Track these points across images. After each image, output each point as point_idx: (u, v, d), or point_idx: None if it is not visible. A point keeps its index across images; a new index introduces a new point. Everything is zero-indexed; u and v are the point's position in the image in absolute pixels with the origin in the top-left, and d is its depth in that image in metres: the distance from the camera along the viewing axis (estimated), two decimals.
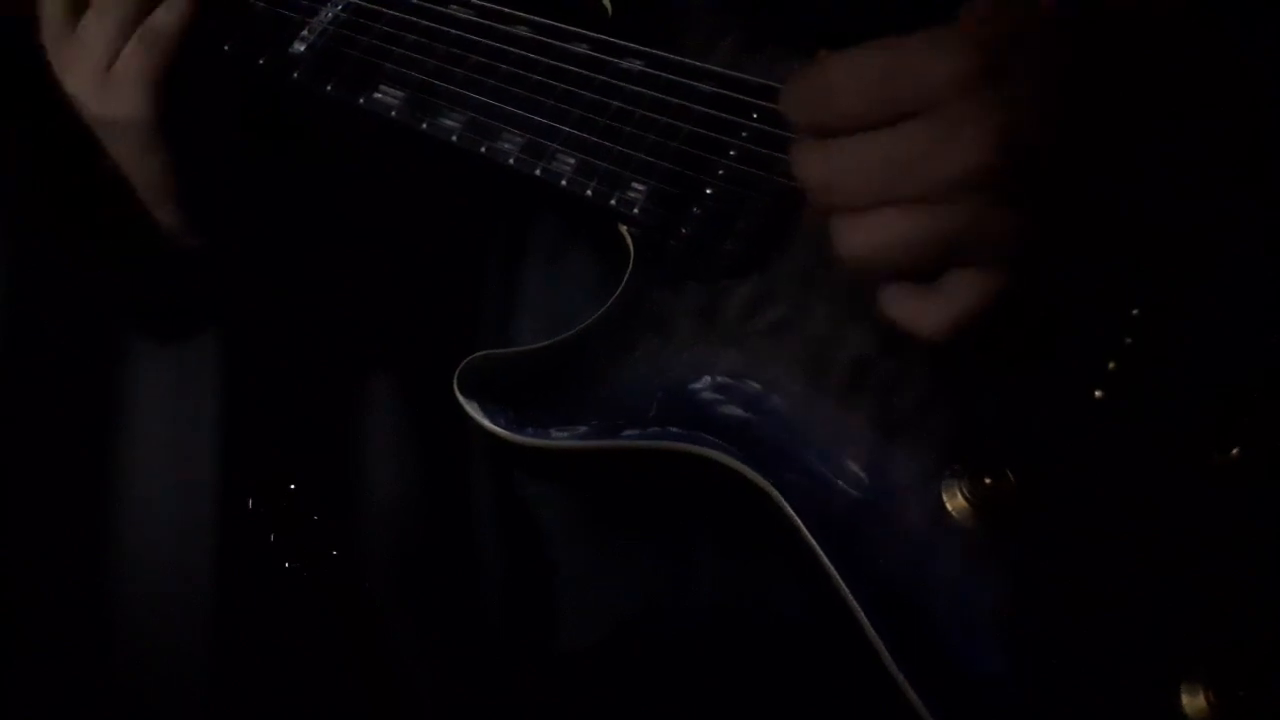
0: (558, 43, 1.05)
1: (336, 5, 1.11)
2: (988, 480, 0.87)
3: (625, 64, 1.03)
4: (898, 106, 0.79)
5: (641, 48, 1.03)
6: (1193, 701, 0.80)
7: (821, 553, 0.88)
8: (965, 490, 0.88)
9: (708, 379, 0.96)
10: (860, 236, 0.80)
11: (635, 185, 1.00)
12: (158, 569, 1.51)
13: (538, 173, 1.03)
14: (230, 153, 1.16)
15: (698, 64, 1.01)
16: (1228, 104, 0.81)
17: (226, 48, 1.12)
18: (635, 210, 1.00)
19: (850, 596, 0.87)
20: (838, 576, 0.88)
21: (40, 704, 1.49)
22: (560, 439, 0.97)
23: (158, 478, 1.53)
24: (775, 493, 0.90)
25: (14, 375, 1.52)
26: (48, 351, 1.53)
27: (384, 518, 1.35)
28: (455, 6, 1.09)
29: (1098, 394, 0.87)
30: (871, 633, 0.85)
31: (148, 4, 1.08)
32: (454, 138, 1.05)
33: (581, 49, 1.05)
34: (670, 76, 1.02)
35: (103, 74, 1.07)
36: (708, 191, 0.99)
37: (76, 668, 1.49)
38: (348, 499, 1.44)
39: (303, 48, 1.11)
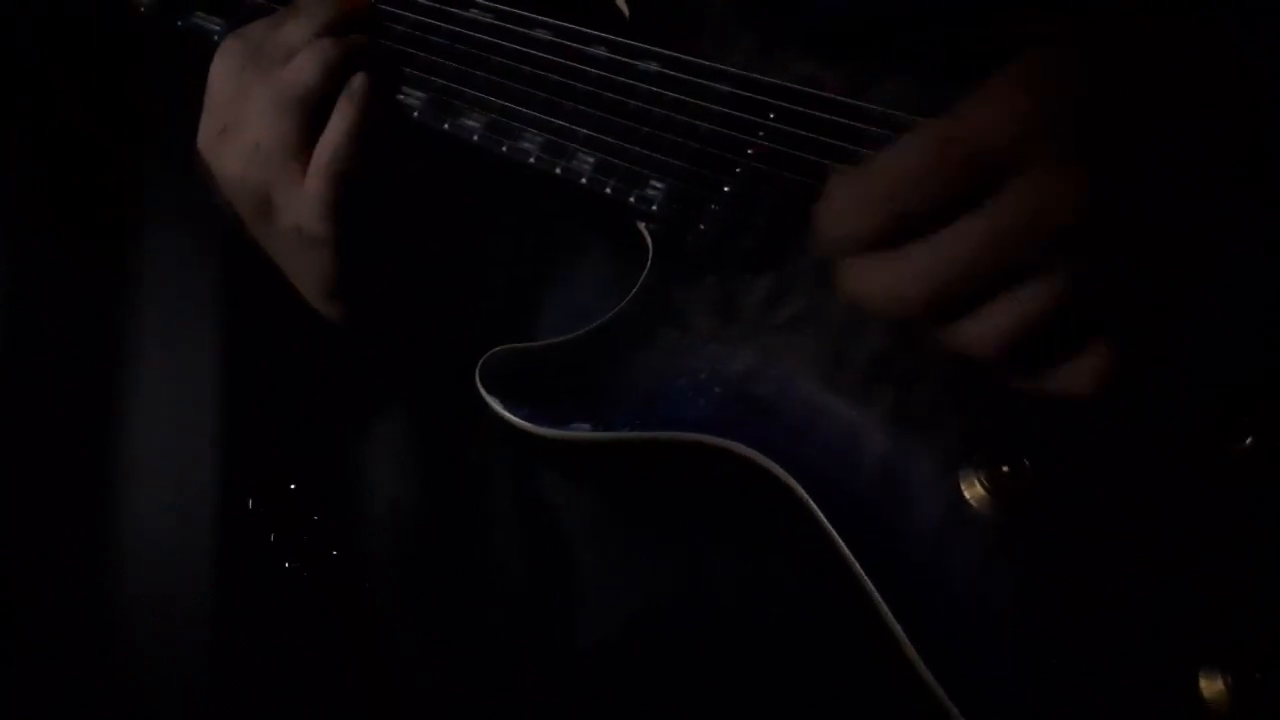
0: (577, 45, 1.05)
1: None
2: (1005, 469, 0.87)
3: (643, 65, 1.04)
4: (970, 186, 0.75)
5: (659, 50, 1.03)
6: (1211, 686, 0.81)
7: (841, 543, 0.88)
8: (983, 479, 0.88)
9: (726, 372, 0.96)
10: (989, 329, 0.77)
11: (654, 183, 1.00)
12: (158, 569, 1.49)
13: (558, 171, 1.03)
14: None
15: (715, 65, 1.02)
16: (1228, 104, 0.82)
17: None
18: (654, 207, 1.00)
19: (870, 586, 0.87)
20: (858, 567, 0.88)
21: (40, 704, 1.47)
22: (580, 431, 0.96)
23: (158, 478, 1.51)
24: (794, 484, 0.90)
25: (14, 375, 1.50)
26: (48, 351, 1.51)
27: (387, 517, 1.34)
28: (475, 10, 1.09)
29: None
30: (893, 623, 0.85)
31: (324, 96, 1.04)
32: (475, 138, 1.05)
33: (600, 51, 1.05)
34: (688, 77, 1.02)
35: (285, 181, 1.03)
36: (725, 189, 0.99)
37: (76, 668, 1.47)
38: (349, 499, 1.43)
39: None
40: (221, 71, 1.05)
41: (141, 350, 1.53)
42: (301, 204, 1.03)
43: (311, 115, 1.02)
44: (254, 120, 1.02)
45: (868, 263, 0.78)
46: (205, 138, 1.05)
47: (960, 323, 0.78)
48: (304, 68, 1.02)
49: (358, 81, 1.03)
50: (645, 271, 1.00)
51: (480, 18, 1.09)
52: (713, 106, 1.01)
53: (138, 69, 1.46)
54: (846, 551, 0.88)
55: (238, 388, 1.50)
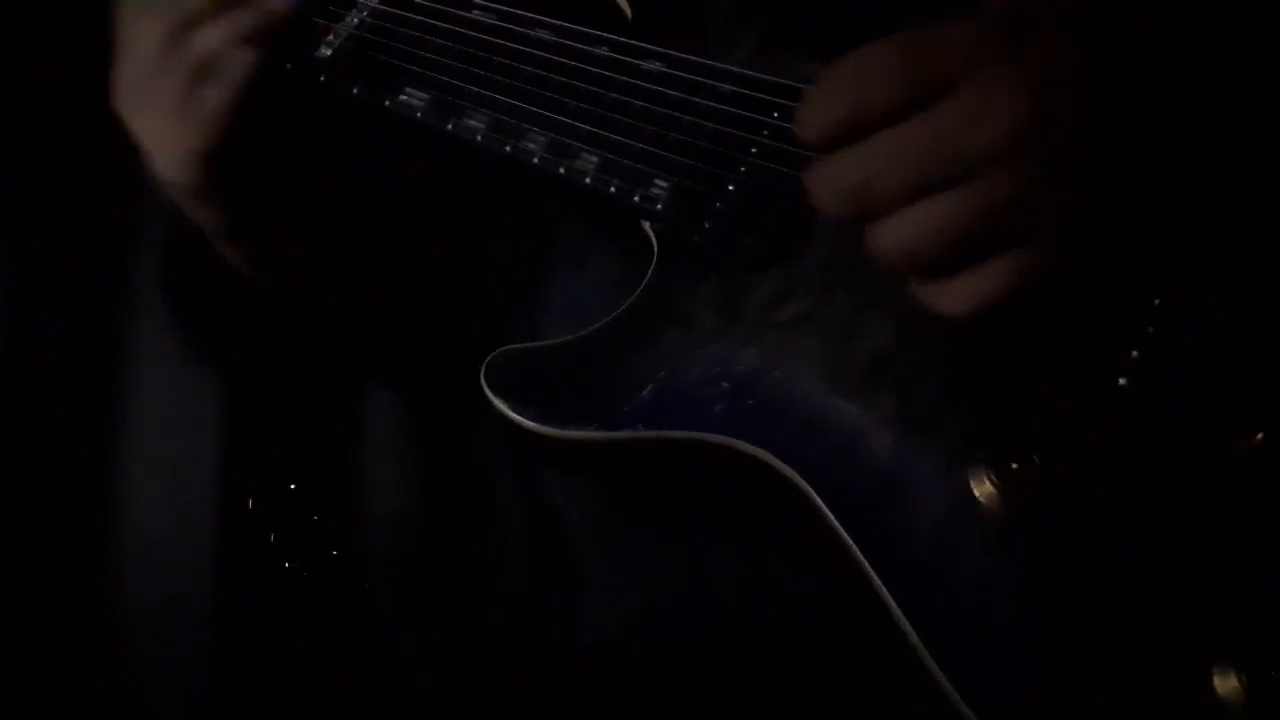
0: (579, 45, 1.04)
1: (362, 11, 1.10)
2: (1014, 466, 0.86)
3: (647, 65, 1.02)
4: (920, 92, 0.78)
5: (662, 49, 1.02)
6: (1225, 684, 0.80)
7: (850, 541, 0.87)
8: (992, 476, 0.87)
9: (731, 371, 0.94)
10: (900, 231, 0.79)
11: (658, 182, 0.99)
12: (158, 569, 1.48)
13: (561, 171, 1.01)
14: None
15: (718, 65, 1.00)
16: (1228, 103, 0.81)
17: None
18: (658, 207, 0.99)
19: (879, 584, 0.86)
20: (866, 565, 0.86)
21: (40, 704, 1.46)
22: (584, 431, 0.95)
23: (158, 478, 1.50)
24: (802, 482, 0.89)
25: (14, 375, 1.49)
26: (48, 351, 1.50)
27: (387, 517, 1.33)
28: (478, 11, 1.08)
29: (1122, 381, 0.86)
30: (902, 621, 0.84)
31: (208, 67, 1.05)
32: (478, 137, 1.04)
33: (603, 51, 1.03)
34: (691, 76, 1.01)
35: (158, 136, 1.06)
36: (730, 188, 0.98)
37: (76, 668, 1.46)
38: (349, 499, 1.42)
39: (329, 52, 1.10)
40: (129, 18, 1.07)
41: (142, 350, 1.51)
42: (166, 157, 1.06)
43: (195, 80, 1.03)
44: (149, 70, 1.04)
45: (836, 154, 0.82)
46: (115, 75, 1.08)
47: (879, 223, 0.80)
48: (206, 37, 1.03)
49: (238, 60, 1.04)
50: (650, 271, 0.99)
51: (482, 19, 1.07)
52: (717, 105, 0.99)
53: None
54: (855, 550, 0.87)
55: (238, 388, 1.48)
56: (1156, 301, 0.87)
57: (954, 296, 0.81)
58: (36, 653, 1.46)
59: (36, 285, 1.51)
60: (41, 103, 1.49)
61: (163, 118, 1.04)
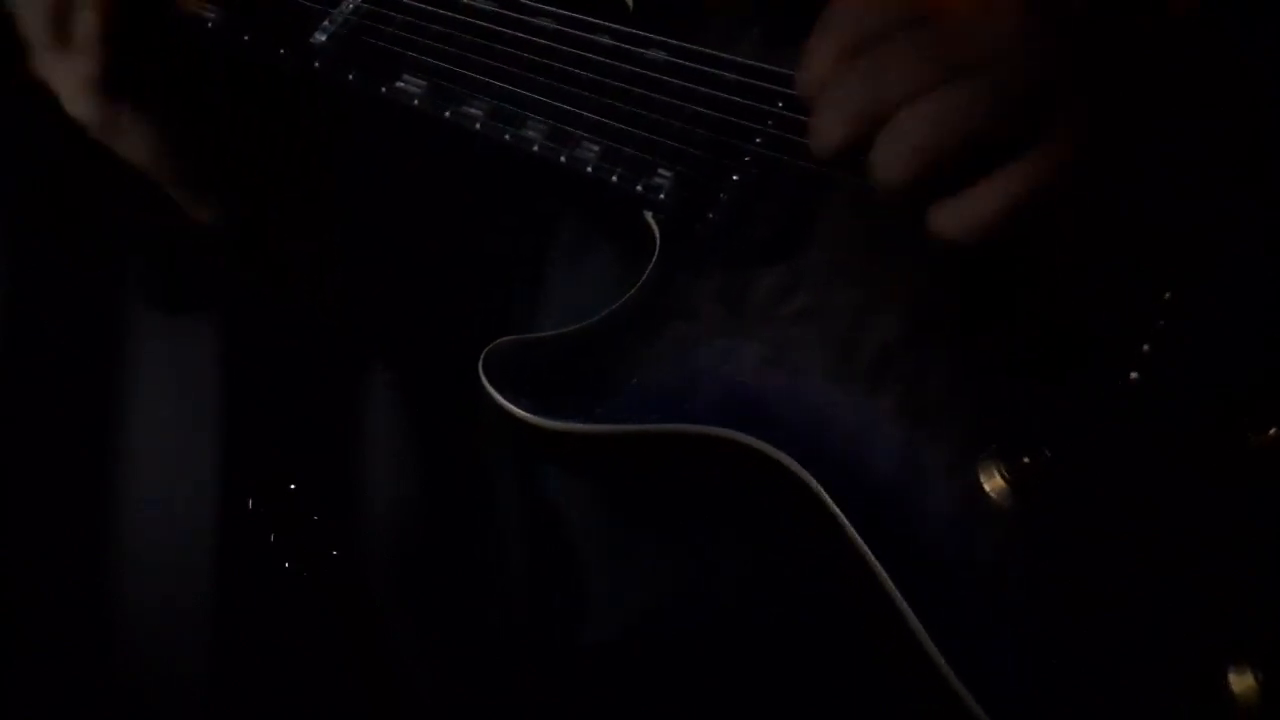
0: (582, 33, 1.02)
1: None
2: (1025, 459, 0.84)
3: (650, 54, 1.01)
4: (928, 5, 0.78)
5: (666, 39, 1.00)
6: (1241, 681, 0.78)
7: (857, 537, 0.85)
8: (1003, 470, 0.85)
9: (734, 364, 0.93)
10: (912, 127, 0.78)
11: (661, 172, 0.97)
12: (158, 569, 1.47)
13: (562, 160, 0.99)
14: (227, 127, 1.11)
15: (722, 54, 0.99)
16: (1228, 103, 0.80)
17: (246, 38, 1.08)
18: (661, 196, 0.97)
19: (887, 580, 0.84)
20: (873, 559, 0.84)
21: (40, 704, 1.44)
22: (584, 423, 0.93)
23: (158, 478, 1.48)
24: (808, 477, 0.87)
25: (14, 375, 1.47)
26: (48, 351, 1.49)
27: (388, 517, 1.31)
28: None
29: (1133, 375, 0.84)
30: (911, 617, 0.82)
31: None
32: (478, 125, 1.02)
33: (605, 40, 1.02)
34: (695, 66, 0.99)
35: (52, 75, 1.05)
36: (734, 178, 0.96)
37: (76, 668, 1.45)
38: (349, 499, 1.40)
39: (324, 38, 1.07)
40: None
41: (141, 350, 1.50)
42: (65, 95, 1.05)
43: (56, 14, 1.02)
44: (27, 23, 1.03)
45: (849, 65, 0.80)
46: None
47: (881, 145, 0.79)
48: None
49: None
50: (652, 262, 0.97)
51: (483, 5, 1.05)
52: (720, 95, 0.98)
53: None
54: (862, 545, 0.85)
55: (237, 387, 1.47)
56: (1167, 295, 0.85)
57: (964, 214, 0.79)
58: (36, 653, 1.44)
59: (36, 285, 1.50)
60: (42, 102, 1.47)
61: (47, 53, 1.03)
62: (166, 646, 1.45)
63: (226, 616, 1.42)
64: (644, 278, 0.96)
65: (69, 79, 1.04)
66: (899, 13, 0.79)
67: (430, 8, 1.06)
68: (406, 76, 1.05)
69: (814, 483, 0.87)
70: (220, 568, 1.43)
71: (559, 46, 1.02)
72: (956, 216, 0.79)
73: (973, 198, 0.78)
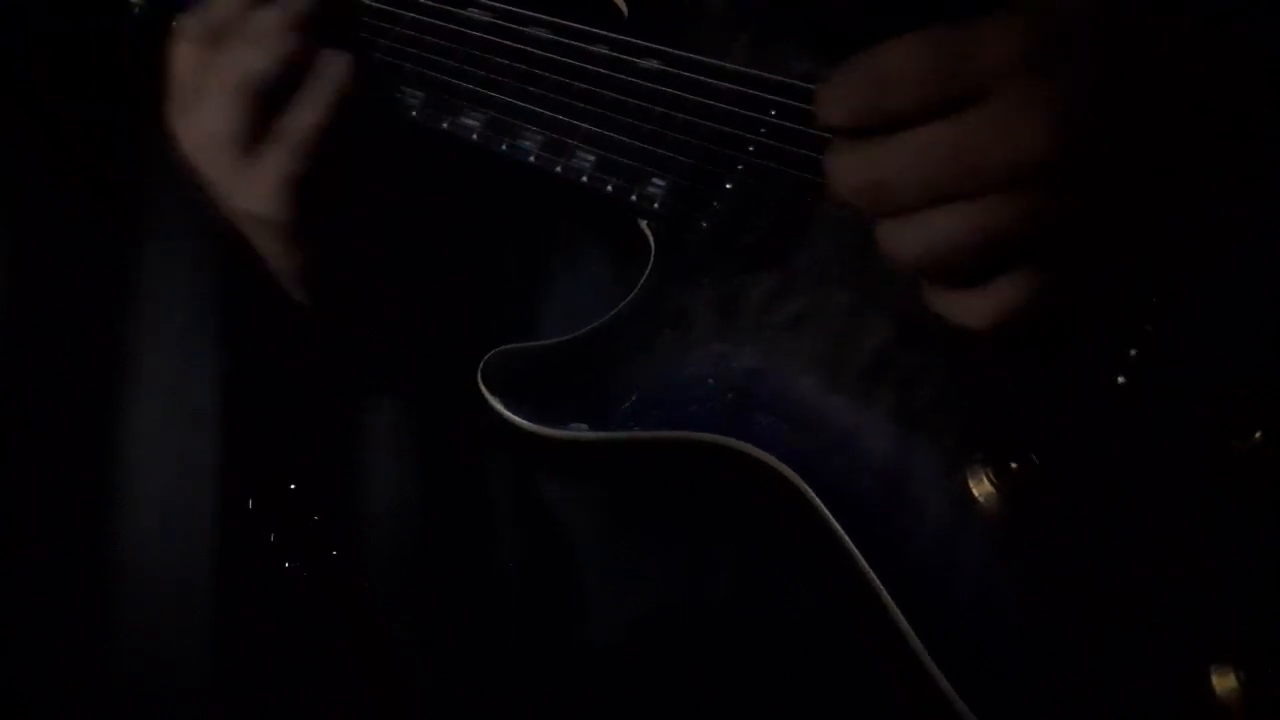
0: (577, 43, 1.03)
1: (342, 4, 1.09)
2: (1013, 465, 0.86)
3: (644, 63, 1.01)
4: (951, 95, 0.76)
5: (659, 47, 1.01)
6: (1223, 681, 0.79)
7: (848, 541, 0.87)
8: (990, 475, 0.86)
9: (728, 371, 0.94)
10: (917, 236, 0.77)
11: (655, 181, 0.98)
12: (158, 569, 1.48)
13: (558, 170, 1.01)
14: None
15: (715, 62, 1.00)
16: (1243, 104, 0.81)
17: None
18: (655, 205, 0.98)
19: (878, 584, 0.85)
20: (865, 565, 0.86)
21: (40, 704, 1.46)
22: (582, 431, 0.94)
23: (158, 478, 1.50)
24: (800, 482, 0.89)
25: (14, 375, 1.49)
26: (48, 351, 1.50)
27: (390, 519, 1.33)
28: (474, 9, 1.07)
29: (1120, 380, 0.85)
30: (901, 621, 0.83)
31: (278, 90, 0.98)
32: (474, 136, 1.03)
33: (600, 49, 1.03)
34: (689, 75, 1.00)
35: (238, 167, 0.98)
36: (727, 186, 0.97)
37: (77, 667, 1.46)
38: (349, 499, 1.41)
39: None
40: (180, 52, 1.00)
41: (141, 349, 1.51)
42: (253, 190, 0.99)
43: (267, 105, 0.97)
44: (209, 105, 0.98)
45: (843, 146, 0.79)
46: (170, 119, 1.02)
47: (895, 223, 0.78)
48: (265, 56, 0.97)
49: (330, 73, 0.98)
50: (647, 270, 0.98)
51: (479, 16, 1.06)
52: (714, 104, 0.99)
53: (135, 67, 1.44)
54: (854, 549, 0.86)
55: (237, 387, 1.48)
56: (1153, 299, 0.86)
57: (969, 309, 0.79)
58: (37, 652, 1.45)
59: (36, 285, 1.51)
60: (42, 104, 1.48)
61: (238, 146, 0.98)
62: (166, 646, 1.46)
63: (226, 616, 1.44)
64: (639, 285, 0.98)
65: (265, 175, 0.98)
66: (924, 91, 0.76)
67: (428, 19, 1.07)
68: (404, 88, 1.06)
69: (806, 488, 0.88)
70: (220, 567, 1.44)
71: (554, 57, 1.03)
72: (963, 308, 0.79)
73: (983, 295, 0.78)
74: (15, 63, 1.45)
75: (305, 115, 0.98)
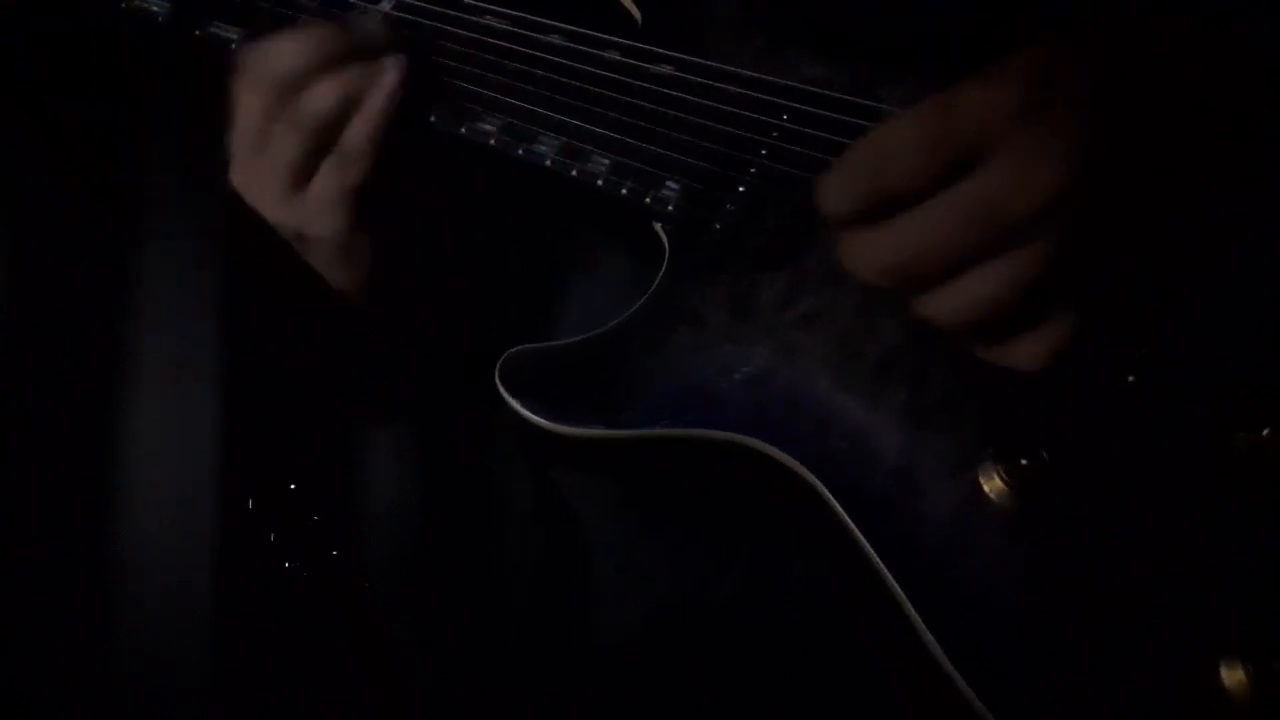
0: (591, 50, 1.05)
1: (375, 19, 1.10)
2: (1023, 461, 0.87)
3: (656, 68, 1.03)
4: (954, 160, 0.77)
5: (672, 53, 1.03)
6: (1232, 676, 0.81)
7: (862, 539, 0.88)
8: (1001, 472, 0.88)
9: (742, 370, 0.96)
10: (958, 303, 0.79)
11: (669, 184, 1.00)
12: (158, 568, 1.48)
13: (574, 173, 1.02)
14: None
15: (727, 68, 1.02)
16: (1243, 104, 0.82)
17: None
18: (669, 208, 1.00)
19: (892, 581, 0.86)
20: (878, 562, 0.87)
21: (40, 704, 1.45)
22: (598, 430, 0.96)
23: (157, 477, 1.49)
24: (814, 480, 0.90)
25: (14, 375, 1.48)
26: (48, 351, 1.49)
27: (397, 519, 1.33)
28: (489, 17, 1.08)
29: (1130, 378, 0.87)
30: (914, 617, 0.85)
31: (340, 118, 1.02)
32: (491, 141, 1.05)
33: (614, 55, 1.04)
34: (701, 79, 1.02)
35: (291, 191, 1.02)
36: (740, 189, 0.99)
37: (77, 667, 1.45)
38: (349, 499, 1.42)
39: None
40: (239, 89, 1.04)
41: (141, 349, 1.51)
42: (307, 211, 1.03)
43: (322, 139, 1.01)
44: (271, 145, 1.02)
45: (858, 232, 0.81)
46: (231, 153, 1.05)
47: (930, 294, 0.80)
48: (322, 96, 1.00)
49: (378, 91, 1.01)
50: (661, 271, 1.00)
51: (494, 24, 1.08)
52: (726, 108, 1.01)
53: (142, 72, 1.44)
54: (867, 547, 0.88)
55: (238, 387, 1.48)
56: (1159, 299, 0.88)
57: (1023, 354, 0.82)
58: (37, 653, 1.45)
59: (36, 285, 1.51)
60: (42, 102, 1.48)
61: (304, 157, 1.01)
62: (166, 646, 1.46)
63: (226, 616, 1.43)
64: (653, 287, 1.00)
65: (317, 196, 1.02)
66: (929, 166, 0.77)
67: (445, 27, 1.09)
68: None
69: (820, 486, 0.90)
70: (220, 567, 1.44)
71: (569, 64, 1.05)
72: (1012, 354, 0.82)
73: (1027, 340, 0.81)
74: (15, 63, 1.45)
75: (358, 132, 1.01)
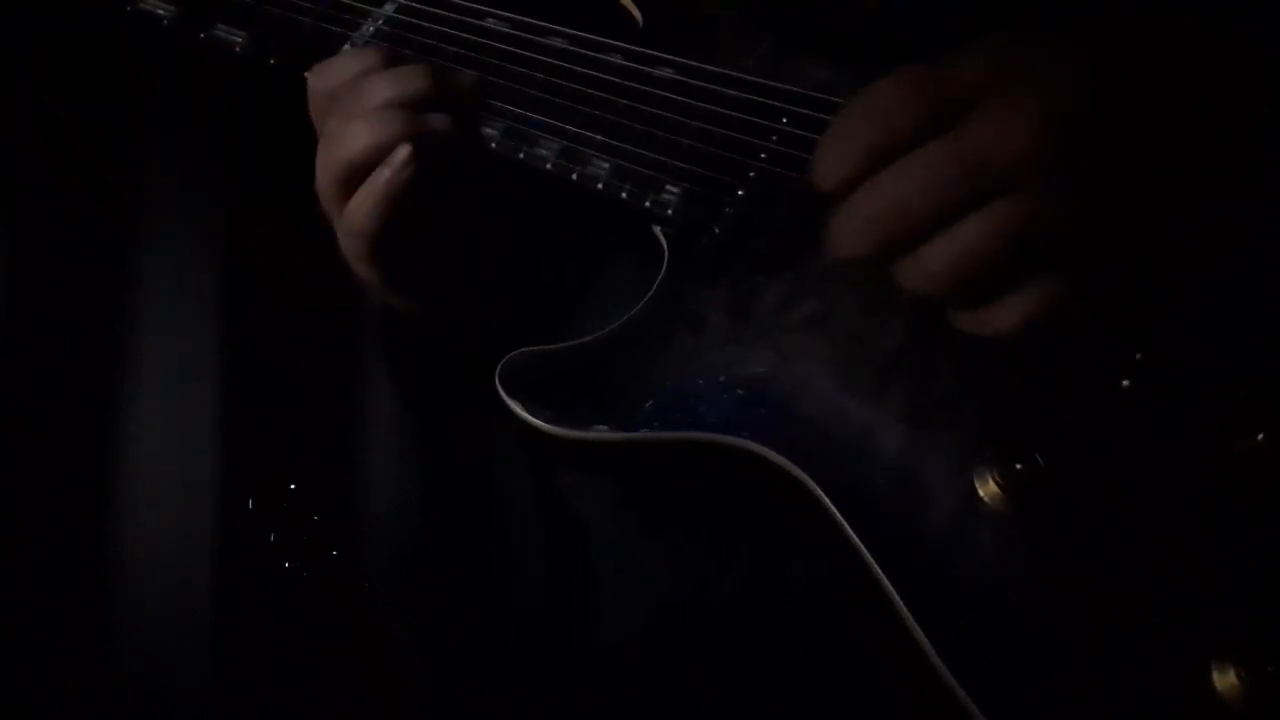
0: (592, 53, 1.05)
1: (377, 20, 1.11)
2: (1019, 466, 0.88)
3: (658, 72, 1.04)
4: (941, 113, 0.79)
5: (673, 57, 1.04)
6: (1224, 679, 0.81)
7: (858, 542, 0.88)
8: (997, 476, 0.88)
9: (742, 373, 0.96)
10: (941, 255, 0.79)
11: (669, 188, 1.01)
12: (158, 568, 1.48)
13: (574, 177, 1.03)
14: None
15: (728, 72, 1.02)
16: (1243, 104, 0.83)
17: (273, 61, 1.11)
18: (669, 211, 1.00)
19: (887, 585, 0.87)
20: (875, 565, 0.87)
21: (40, 704, 1.46)
22: (599, 432, 0.96)
23: (158, 478, 1.50)
24: (811, 483, 0.90)
25: (14, 375, 1.49)
26: (48, 351, 1.50)
27: (401, 519, 1.34)
28: (492, 20, 1.09)
29: (1125, 383, 0.88)
30: (909, 620, 0.85)
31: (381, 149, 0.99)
32: (493, 144, 1.05)
33: (615, 59, 1.05)
34: (701, 83, 1.02)
35: (337, 213, 1.02)
36: (739, 193, 0.99)
37: (77, 668, 1.46)
38: (349, 499, 1.42)
39: None
40: (310, 103, 1.04)
41: (142, 350, 1.51)
42: (344, 239, 1.03)
43: (351, 180, 1.00)
44: (320, 160, 1.02)
45: (847, 201, 0.81)
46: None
47: (913, 254, 0.80)
48: (357, 136, 0.99)
49: (399, 157, 0.99)
50: (661, 275, 1.00)
51: (496, 27, 1.08)
52: (726, 112, 1.01)
53: (140, 72, 1.45)
54: (863, 550, 0.88)
55: (238, 387, 1.49)
56: (1156, 301, 0.88)
57: (999, 318, 0.82)
58: (37, 652, 1.45)
59: (37, 285, 1.51)
60: (42, 102, 1.49)
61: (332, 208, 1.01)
62: (166, 646, 1.46)
63: (226, 616, 1.44)
64: (653, 290, 1.00)
65: (351, 225, 1.01)
66: (917, 119, 0.79)
67: (447, 30, 1.09)
68: None
69: (816, 489, 0.90)
70: (220, 568, 1.45)
71: (571, 66, 1.05)
72: (993, 320, 0.82)
73: (1010, 304, 0.81)
74: (15, 63, 1.46)
75: (394, 173, 0.99)
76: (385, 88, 1.00)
